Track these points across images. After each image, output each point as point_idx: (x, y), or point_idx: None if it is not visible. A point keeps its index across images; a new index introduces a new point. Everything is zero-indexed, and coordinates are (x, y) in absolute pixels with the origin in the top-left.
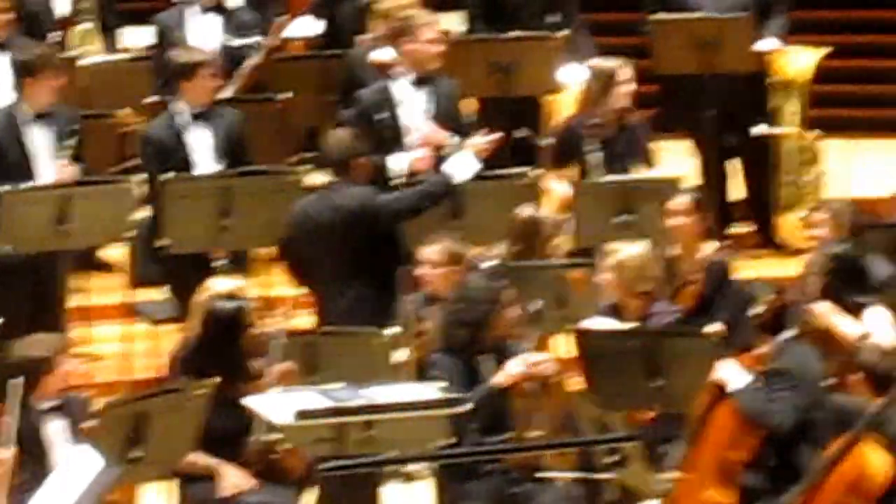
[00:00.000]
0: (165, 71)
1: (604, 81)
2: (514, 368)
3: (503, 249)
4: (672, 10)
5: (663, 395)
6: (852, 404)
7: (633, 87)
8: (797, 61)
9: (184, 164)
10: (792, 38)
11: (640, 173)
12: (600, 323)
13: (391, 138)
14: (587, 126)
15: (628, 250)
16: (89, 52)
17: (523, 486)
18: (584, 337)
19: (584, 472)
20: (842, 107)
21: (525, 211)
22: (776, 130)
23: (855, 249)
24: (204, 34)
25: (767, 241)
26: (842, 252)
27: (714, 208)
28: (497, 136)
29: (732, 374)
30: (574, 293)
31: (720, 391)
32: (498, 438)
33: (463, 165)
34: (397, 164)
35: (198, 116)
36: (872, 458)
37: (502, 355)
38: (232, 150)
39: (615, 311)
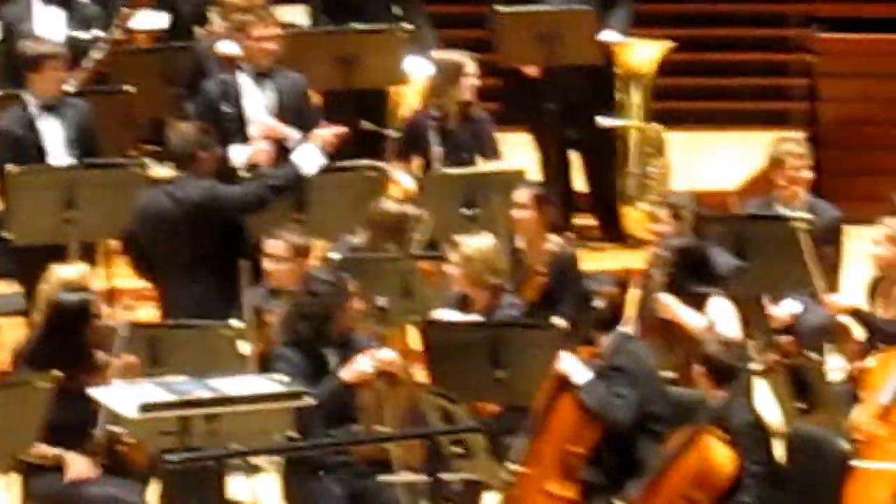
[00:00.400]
0: (13, 63)
1: (448, 74)
2: (361, 365)
3: (357, 241)
4: (517, 2)
5: (507, 388)
6: (693, 397)
7: (476, 80)
8: (641, 54)
9: (37, 156)
10: (636, 31)
11: (484, 166)
12: (447, 315)
13: (236, 131)
14: (431, 119)
15: (474, 243)
16: None
17: (370, 480)
18: (429, 329)
19: (430, 465)
20: (686, 100)
21: (387, 204)
22: (620, 123)
23: (697, 242)
24: (49, 27)
25: (612, 233)
26: (684, 245)
27: (558, 201)
28: (341, 129)
29: (574, 367)
30: (422, 285)
31: (562, 384)
32: (343, 431)
33: (308, 158)
34: (237, 156)
35: (48, 108)
36: (716, 452)
37: (348, 348)
38: (83, 142)
39: (462, 304)
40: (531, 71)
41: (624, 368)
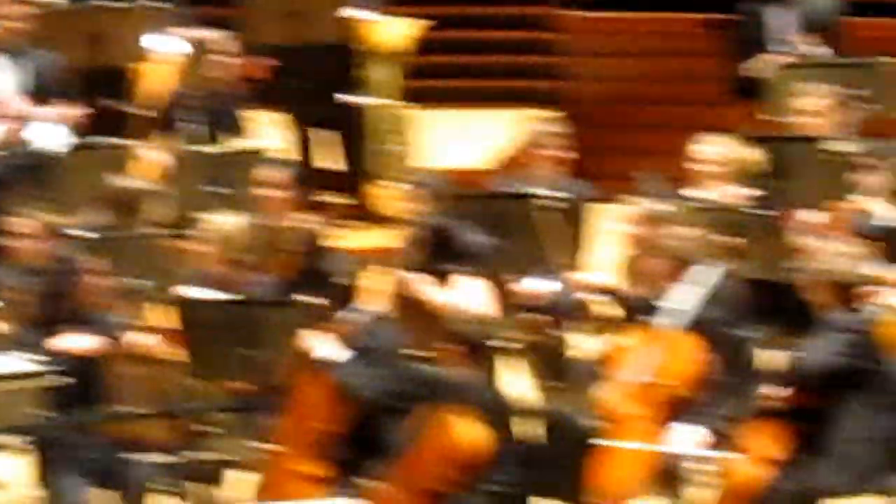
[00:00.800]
0: None
1: (201, 52)
2: (90, 342)
3: (98, 219)
4: None
5: (258, 366)
6: (441, 375)
7: (231, 58)
8: (392, 31)
9: None
10: (391, 9)
11: (234, 144)
12: (197, 293)
13: None
14: (184, 96)
15: (224, 221)
16: None
17: (121, 458)
18: (179, 307)
19: (181, 443)
20: (440, 77)
21: (120, 180)
22: (365, 100)
23: (447, 220)
24: None
25: (361, 211)
26: (434, 223)
27: (306, 179)
28: (85, 106)
29: (324, 346)
30: (172, 263)
31: (312, 363)
32: (92, 410)
33: (52, 136)
34: None
35: None
36: (461, 428)
37: (90, 326)
38: None
39: (213, 282)
40: (259, 71)
41: (373, 347)
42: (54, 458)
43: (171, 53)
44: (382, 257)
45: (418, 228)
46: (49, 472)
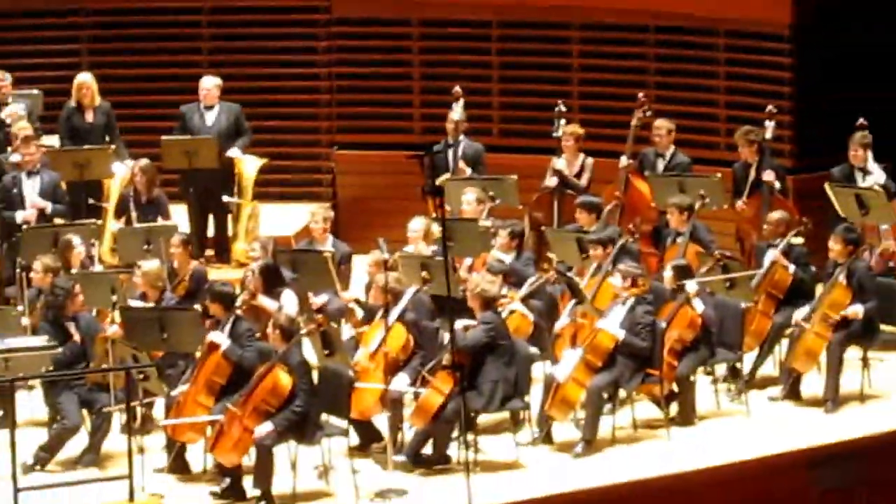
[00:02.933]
0: None
1: (138, 173)
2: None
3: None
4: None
5: (167, 343)
6: (271, 348)
7: (150, 175)
8: (248, 165)
9: None
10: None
11: (157, 224)
12: (135, 303)
13: (19, 202)
14: (132, 195)
15: (148, 265)
16: None
17: (94, 394)
18: (125, 311)
19: (127, 386)
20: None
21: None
22: (234, 200)
23: (273, 262)
24: None
25: (224, 258)
26: (267, 264)
27: (196, 242)
28: (46, 204)
29: (217, 336)
30: (121, 288)
31: (211, 346)
32: (81, 367)
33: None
34: (18, 216)
35: None
36: (281, 377)
37: (77, 322)
38: None
39: (143, 297)
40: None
41: (242, 333)
42: (58, 391)
43: (123, 172)
44: (240, 283)
45: (259, 268)
46: (54, 399)
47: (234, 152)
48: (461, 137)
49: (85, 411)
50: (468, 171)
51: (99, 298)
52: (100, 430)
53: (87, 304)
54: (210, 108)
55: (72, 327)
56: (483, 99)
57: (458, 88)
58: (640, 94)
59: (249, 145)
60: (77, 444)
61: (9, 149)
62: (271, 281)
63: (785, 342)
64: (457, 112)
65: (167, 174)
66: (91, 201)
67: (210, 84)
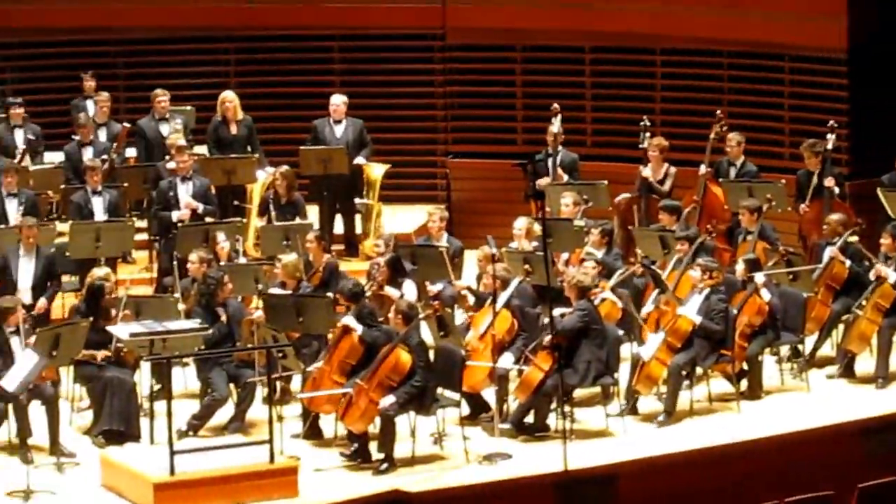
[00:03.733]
0: None
1: (280, 176)
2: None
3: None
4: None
5: (303, 325)
6: (394, 330)
7: (289, 180)
8: (374, 170)
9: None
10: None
11: (303, 221)
12: (276, 290)
13: (175, 203)
14: (272, 197)
15: (288, 257)
16: None
17: (241, 370)
18: (266, 298)
19: (269, 363)
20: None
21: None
22: (364, 201)
23: (397, 255)
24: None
25: (353, 253)
26: (392, 257)
27: (328, 238)
28: (197, 204)
29: (349, 320)
30: (265, 278)
31: (345, 329)
32: (228, 346)
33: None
34: (174, 216)
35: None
36: (402, 356)
37: (227, 308)
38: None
39: (283, 286)
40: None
41: (365, 315)
42: (209, 368)
43: (264, 177)
44: (367, 273)
45: (385, 261)
46: (205, 374)
47: (360, 160)
48: (559, 148)
49: (232, 385)
50: (565, 177)
51: (245, 287)
52: (245, 401)
53: (234, 291)
54: (338, 122)
55: (221, 312)
56: (578, 114)
57: (556, 105)
58: (717, 111)
59: (372, 154)
60: (225, 413)
61: (166, 157)
62: (396, 272)
63: (841, 327)
64: (555, 126)
65: (301, 179)
66: (236, 203)
67: (339, 101)
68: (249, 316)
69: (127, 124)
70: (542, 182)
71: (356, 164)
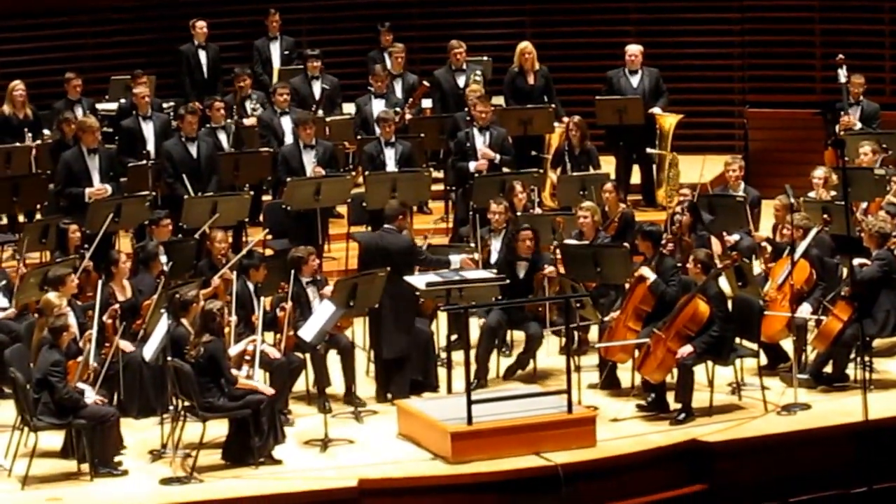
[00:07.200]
0: None
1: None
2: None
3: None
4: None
5: (601, 275)
6: (691, 280)
7: (580, 130)
8: (667, 120)
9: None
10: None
11: (589, 173)
12: (573, 241)
13: (471, 153)
14: (567, 147)
15: (587, 204)
16: None
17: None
18: (564, 248)
19: (565, 314)
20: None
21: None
22: (655, 151)
23: (696, 205)
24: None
25: (649, 201)
26: (693, 202)
27: (624, 188)
28: (494, 154)
29: (645, 270)
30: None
31: (639, 278)
32: (521, 299)
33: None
34: (471, 166)
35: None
36: (700, 305)
37: (535, 261)
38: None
39: (580, 236)
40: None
41: (667, 269)
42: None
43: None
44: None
45: (689, 204)
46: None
47: (656, 110)
48: (861, 98)
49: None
50: (858, 125)
51: (541, 237)
52: (528, 351)
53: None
54: (634, 72)
55: (520, 268)
56: (877, 63)
57: (840, 56)
58: None
59: (668, 104)
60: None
61: (465, 108)
62: (697, 221)
63: None
64: (841, 76)
65: (595, 130)
66: (533, 153)
67: (635, 50)
68: (542, 271)
69: (426, 83)
70: (842, 128)
71: (650, 114)
